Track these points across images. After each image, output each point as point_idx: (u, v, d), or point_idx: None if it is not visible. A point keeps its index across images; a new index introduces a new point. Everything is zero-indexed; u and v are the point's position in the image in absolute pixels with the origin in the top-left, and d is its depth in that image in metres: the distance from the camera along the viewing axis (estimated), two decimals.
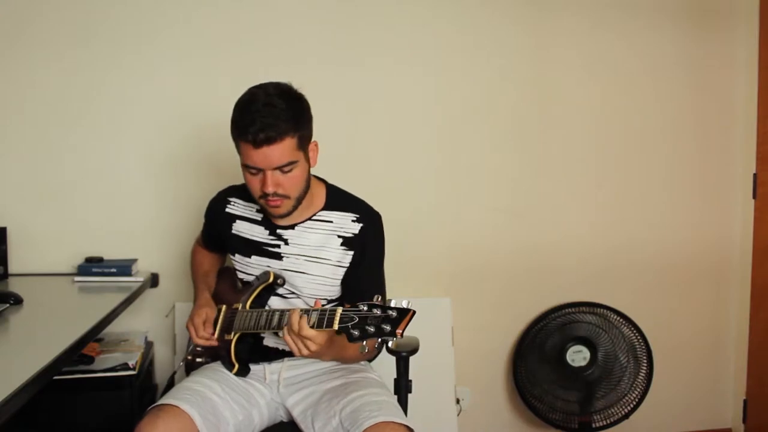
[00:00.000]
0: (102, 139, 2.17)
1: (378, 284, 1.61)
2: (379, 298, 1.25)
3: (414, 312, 1.22)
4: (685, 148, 2.61)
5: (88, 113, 2.16)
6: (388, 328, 1.20)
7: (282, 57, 2.24)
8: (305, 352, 1.34)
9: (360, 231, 1.57)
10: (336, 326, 1.25)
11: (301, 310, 1.35)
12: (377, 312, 1.22)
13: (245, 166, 1.45)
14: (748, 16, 2.59)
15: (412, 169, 2.39)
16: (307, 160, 1.50)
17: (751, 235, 2.64)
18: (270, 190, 1.43)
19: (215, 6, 2.21)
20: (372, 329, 1.21)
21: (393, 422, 1.33)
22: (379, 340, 1.23)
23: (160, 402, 1.39)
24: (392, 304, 1.23)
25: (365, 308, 1.24)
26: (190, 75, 2.20)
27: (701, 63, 2.60)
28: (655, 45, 2.55)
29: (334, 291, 1.59)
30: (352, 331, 1.23)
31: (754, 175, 2.62)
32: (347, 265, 1.57)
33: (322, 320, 1.29)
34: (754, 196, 2.62)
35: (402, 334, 1.20)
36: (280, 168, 1.42)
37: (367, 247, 1.58)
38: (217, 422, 1.41)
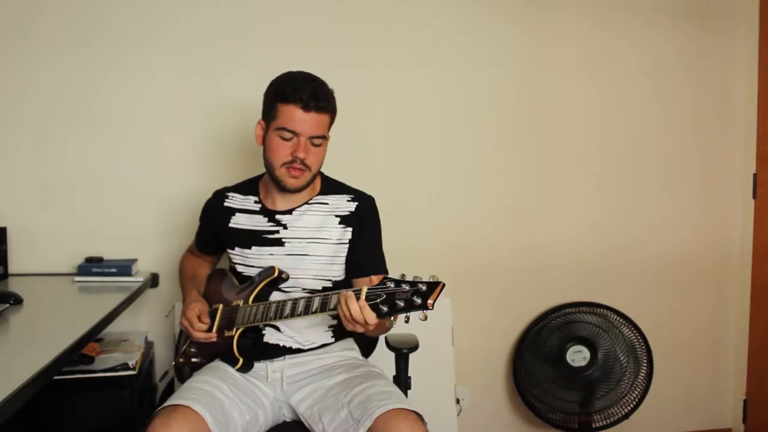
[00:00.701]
0: (102, 139, 2.17)
1: (380, 258, 1.66)
2: (404, 275, 1.28)
3: (444, 284, 1.26)
4: (685, 148, 2.61)
5: (88, 113, 2.16)
6: (419, 301, 1.24)
7: (282, 57, 2.23)
8: (360, 329, 1.34)
9: (356, 209, 1.64)
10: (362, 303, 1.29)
11: (351, 291, 1.34)
12: (405, 287, 1.26)
13: (280, 130, 1.52)
14: (748, 16, 2.60)
15: (412, 169, 2.39)
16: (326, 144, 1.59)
17: (751, 235, 2.64)
18: (301, 155, 1.51)
19: (215, 6, 2.21)
20: (402, 303, 1.25)
21: (404, 409, 1.35)
22: (409, 314, 1.26)
23: (171, 402, 1.38)
24: (422, 278, 1.27)
25: (392, 285, 1.27)
26: (190, 75, 2.20)
27: (701, 63, 2.60)
28: (655, 45, 2.55)
29: (338, 272, 1.62)
30: (381, 306, 1.27)
31: (754, 175, 2.62)
32: (347, 241, 1.61)
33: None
34: (754, 196, 2.62)
35: (433, 305, 1.24)
36: (314, 138, 1.52)
37: (365, 222, 1.64)
38: (227, 422, 1.40)
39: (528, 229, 2.50)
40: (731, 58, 2.62)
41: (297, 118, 1.50)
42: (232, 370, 1.56)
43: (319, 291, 1.61)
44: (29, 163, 2.13)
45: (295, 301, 1.45)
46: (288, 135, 1.52)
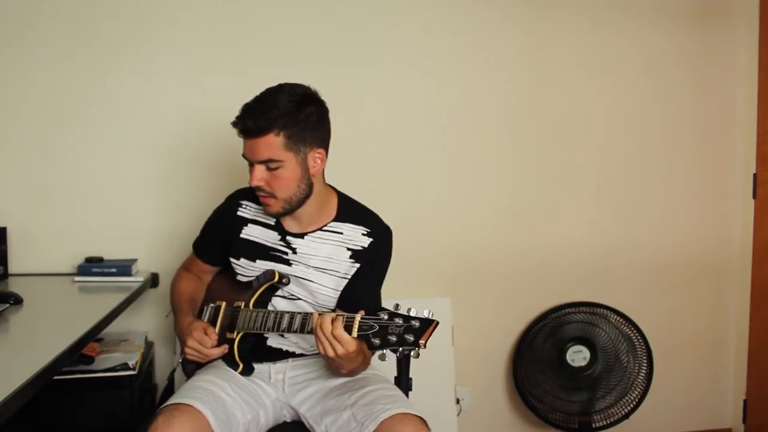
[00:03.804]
0: (102, 139, 2.17)
1: (376, 299, 1.62)
2: (398, 307, 1.25)
3: (437, 323, 1.21)
4: (685, 148, 2.61)
5: (88, 113, 2.15)
6: (411, 338, 1.20)
7: (282, 58, 2.24)
8: (330, 353, 1.32)
9: (369, 245, 1.57)
10: (354, 334, 1.26)
11: (328, 312, 1.34)
12: (399, 321, 1.22)
13: (243, 156, 1.48)
14: (748, 16, 2.60)
15: (412, 169, 2.39)
16: (302, 165, 1.47)
17: (751, 235, 2.64)
18: (254, 183, 1.46)
19: (215, 6, 2.21)
20: (394, 339, 1.21)
21: (409, 414, 1.35)
22: (401, 349, 1.22)
23: (173, 401, 1.37)
24: (413, 314, 1.23)
25: (385, 317, 1.23)
26: (190, 75, 2.20)
27: (701, 63, 2.60)
28: (655, 45, 2.55)
29: (334, 301, 1.59)
30: (372, 339, 1.23)
31: (754, 175, 2.62)
32: (351, 276, 1.57)
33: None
34: (754, 196, 2.62)
35: (425, 345, 1.20)
36: (264, 163, 1.44)
37: (374, 263, 1.58)
38: (228, 422, 1.40)
39: (528, 229, 2.50)
40: (731, 58, 2.62)
41: (245, 145, 1.46)
42: (230, 370, 1.55)
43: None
44: (29, 163, 2.13)
45: (293, 315, 1.43)
46: (248, 161, 1.48)
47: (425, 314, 1.22)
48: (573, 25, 2.48)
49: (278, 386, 1.58)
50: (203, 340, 1.50)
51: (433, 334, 1.20)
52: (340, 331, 1.29)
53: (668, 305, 2.63)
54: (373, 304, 1.58)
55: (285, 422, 1.59)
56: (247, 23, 2.23)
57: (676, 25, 2.56)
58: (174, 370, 1.88)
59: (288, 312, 1.45)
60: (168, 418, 1.31)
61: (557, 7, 2.46)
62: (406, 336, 1.20)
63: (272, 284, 1.54)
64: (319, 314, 1.34)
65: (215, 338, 1.52)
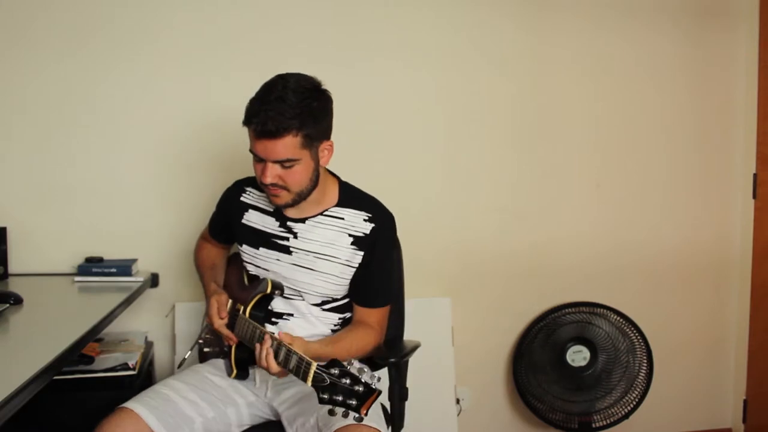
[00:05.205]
0: (102, 140, 2.17)
1: (388, 287, 1.62)
2: (354, 363, 1.20)
3: (379, 392, 1.17)
4: (685, 148, 2.61)
5: (89, 114, 2.15)
6: (353, 403, 1.17)
7: (282, 58, 2.23)
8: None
9: (371, 231, 1.56)
10: (309, 382, 1.22)
11: (276, 342, 1.35)
12: (346, 382, 1.17)
13: (251, 151, 1.46)
14: (748, 16, 2.59)
15: (412, 169, 2.39)
16: (315, 158, 1.48)
17: (751, 235, 2.63)
18: (267, 181, 1.44)
19: (216, 7, 2.21)
20: (339, 398, 1.18)
21: (365, 425, 1.32)
22: (344, 410, 1.19)
23: (123, 405, 1.43)
24: (364, 376, 1.17)
25: (337, 372, 1.19)
26: (190, 76, 2.20)
27: (701, 63, 2.59)
28: (655, 45, 2.55)
29: (341, 290, 1.59)
30: (321, 394, 1.20)
31: (754, 175, 2.62)
32: (356, 265, 1.56)
33: (299, 369, 1.26)
34: (754, 196, 2.62)
35: (366, 414, 1.16)
36: (279, 162, 1.43)
37: (377, 249, 1.56)
38: (180, 422, 1.43)
39: (528, 229, 2.50)
40: (731, 59, 2.62)
41: (255, 144, 1.43)
42: (204, 372, 1.58)
43: (319, 304, 1.59)
44: (29, 163, 2.13)
45: (279, 345, 1.35)
46: (257, 157, 1.45)
47: (374, 381, 1.17)
48: (573, 25, 2.48)
49: (262, 388, 1.60)
50: (213, 318, 1.56)
51: (374, 403, 1.17)
52: (273, 367, 1.35)
53: (668, 305, 2.63)
54: (387, 294, 1.61)
55: (270, 421, 1.59)
56: (248, 24, 2.23)
57: (676, 26, 2.56)
58: (184, 360, 1.85)
59: (284, 346, 1.35)
60: (107, 423, 1.38)
61: (557, 7, 2.46)
62: (349, 401, 1.17)
63: (265, 295, 1.54)
64: (277, 347, 1.35)
65: (224, 316, 1.55)
